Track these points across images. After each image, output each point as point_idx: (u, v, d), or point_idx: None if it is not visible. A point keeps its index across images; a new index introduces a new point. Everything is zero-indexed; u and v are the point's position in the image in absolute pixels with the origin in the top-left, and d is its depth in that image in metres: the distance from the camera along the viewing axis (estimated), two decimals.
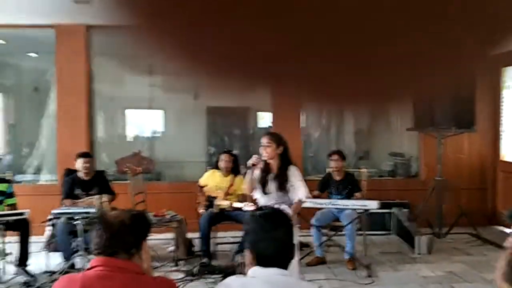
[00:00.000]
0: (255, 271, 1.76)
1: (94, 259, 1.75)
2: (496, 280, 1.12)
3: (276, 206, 3.31)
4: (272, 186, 3.97)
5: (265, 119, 8.48)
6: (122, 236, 1.71)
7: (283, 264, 1.76)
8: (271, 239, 1.74)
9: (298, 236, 3.83)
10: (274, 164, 3.98)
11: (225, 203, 5.43)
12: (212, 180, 5.72)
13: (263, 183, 3.93)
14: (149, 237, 5.11)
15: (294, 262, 2.16)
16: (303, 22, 0.59)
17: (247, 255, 1.81)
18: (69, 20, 6.42)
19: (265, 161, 3.95)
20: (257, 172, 4.03)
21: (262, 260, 1.75)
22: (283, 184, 3.98)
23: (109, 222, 1.72)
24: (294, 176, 4.05)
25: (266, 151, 3.92)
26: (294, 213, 4.09)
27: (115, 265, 1.71)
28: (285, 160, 4.05)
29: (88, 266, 1.76)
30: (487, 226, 6.71)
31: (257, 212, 1.84)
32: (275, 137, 4.04)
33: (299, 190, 4.04)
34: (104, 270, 1.70)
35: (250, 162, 3.99)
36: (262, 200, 3.95)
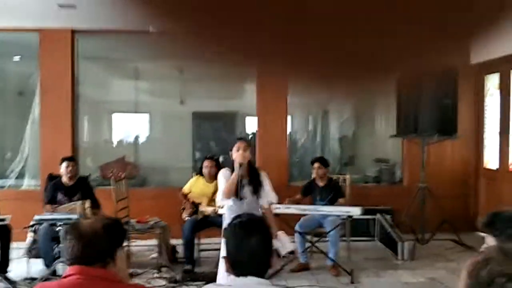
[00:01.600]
0: (232, 280, 1.77)
1: (70, 268, 1.74)
2: None
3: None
4: (247, 191, 3.96)
5: (252, 124, 8.50)
6: (95, 246, 1.70)
7: (260, 272, 1.76)
8: (246, 247, 1.74)
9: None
10: (244, 169, 3.97)
11: (209, 210, 5.43)
12: (196, 187, 5.72)
13: (238, 188, 3.91)
14: (132, 244, 5.02)
15: None
16: (292, 4, 0.60)
17: (225, 263, 1.81)
18: (54, 24, 6.39)
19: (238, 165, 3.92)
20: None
21: (238, 269, 1.76)
22: (257, 188, 3.99)
23: (82, 231, 1.71)
24: (266, 181, 4.09)
25: (245, 156, 3.92)
26: (272, 219, 4.08)
27: (91, 273, 1.70)
28: (252, 165, 4.10)
29: (64, 274, 1.75)
30: (470, 233, 6.76)
31: (234, 220, 1.84)
32: (249, 142, 4.08)
33: (269, 194, 4.07)
34: (79, 278, 1.69)
35: (240, 160, 3.87)
36: (234, 206, 3.92)
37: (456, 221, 6.47)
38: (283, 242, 4.06)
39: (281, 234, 4.00)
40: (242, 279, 1.74)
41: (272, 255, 1.83)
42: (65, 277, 1.73)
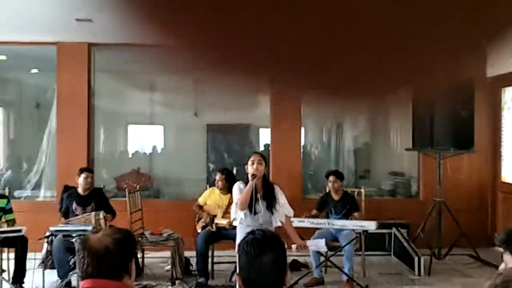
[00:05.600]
0: None
1: (84, 281, 1.73)
2: None
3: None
4: (261, 205, 3.94)
5: (265, 136, 8.49)
6: (109, 262, 1.69)
7: None
8: (259, 265, 1.72)
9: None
10: (258, 183, 3.96)
11: (223, 222, 5.41)
12: (212, 198, 5.70)
13: (252, 202, 3.89)
14: (146, 256, 5.00)
15: None
16: (304, 19, 0.59)
17: (237, 280, 1.80)
18: (71, 37, 6.48)
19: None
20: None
21: (251, 286, 1.74)
22: (271, 203, 3.97)
23: (93, 249, 1.70)
24: (281, 195, 4.08)
25: (259, 169, 3.91)
26: (293, 231, 4.15)
27: (106, 286, 1.70)
28: (267, 180, 4.09)
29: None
30: (487, 248, 6.64)
31: (248, 237, 1.82)
32: (263, 157, 4.08)
33: (285, 209, 4.05)
34: None
35: (252, 172, 3.89)
36: (247, 220, 3.91)
37: (473, 236, 6.36)
38: (319, 246, 4.20)
39: (308, 242, 4.10)
40: None
41: (286, 273, 1.80)
42: None
